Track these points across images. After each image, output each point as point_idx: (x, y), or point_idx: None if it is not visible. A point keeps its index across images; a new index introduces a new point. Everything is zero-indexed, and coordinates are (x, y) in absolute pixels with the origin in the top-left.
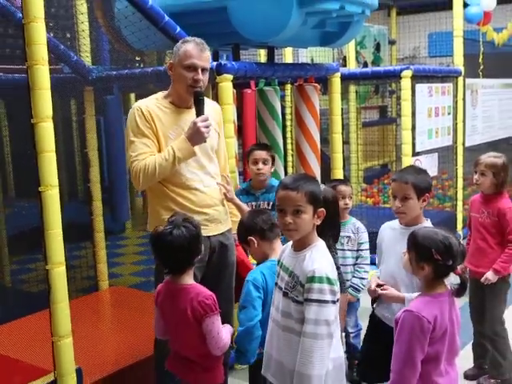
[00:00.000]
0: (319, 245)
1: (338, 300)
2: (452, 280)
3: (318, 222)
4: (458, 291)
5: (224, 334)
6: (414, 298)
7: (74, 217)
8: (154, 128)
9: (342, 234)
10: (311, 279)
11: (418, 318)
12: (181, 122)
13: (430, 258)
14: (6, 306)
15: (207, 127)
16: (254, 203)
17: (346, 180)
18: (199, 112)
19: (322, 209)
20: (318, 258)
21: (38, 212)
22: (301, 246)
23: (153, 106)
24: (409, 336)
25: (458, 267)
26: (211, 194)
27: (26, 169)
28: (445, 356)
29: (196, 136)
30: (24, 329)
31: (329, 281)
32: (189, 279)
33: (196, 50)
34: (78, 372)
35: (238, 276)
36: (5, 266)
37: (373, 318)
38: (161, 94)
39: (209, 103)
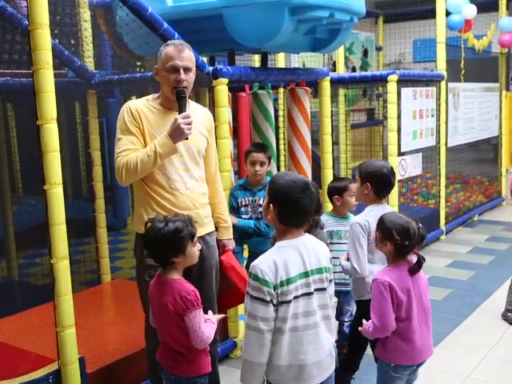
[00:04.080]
0: (280, 244)
1: (273, 302)
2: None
3: (270, 217)
4: (413, 269)
5: (206, 328)
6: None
7: (77, 214)
8: (140, 126)
9: (342, 228)
10: (249, 273)
11: (380, 282)
12: (168, 122)
13: (391, 237)
14: (12, 298)
15: (188, 124)
16: (250, 198)
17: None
18: (181, 109)
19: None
20: (263, 255)
21: (44, 209)
22: None
23: (142, 106)
24: (377, 296)
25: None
26: (192, 197)
27: (32, 168)
28: (417, 315)
29: (177, 132)
30: (30, 320)
31: (256, 278)
32: (176, 274)
33: (175, 52)
34: (81, 361)
35: (228, 280)
36: (12, 260)
37: None
38: (152, 96)
39: (200, 110)
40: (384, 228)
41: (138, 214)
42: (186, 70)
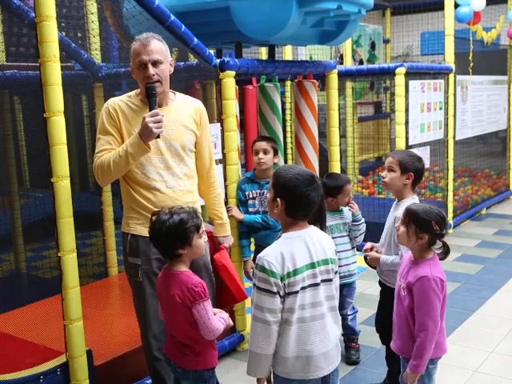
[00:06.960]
0: (286, 235)
1: (280, 293)
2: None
3: (277, 211)
4: (445, 254)
5: (216, 319)
6: (420, 265)
7: (85, 207)
8: (118, 125)
9: (340, 221)
10: (256, 265)
11: (432, 279)
12: None
13: (429, 229)
14: (20, 291)
15: (157, 122)
16: (258, 191)
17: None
18: (150, 107)
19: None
20: (270, 247)
21: (51, 202)
22: None
23: (121, 103)
24: (431, 295)
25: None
26: (174, 195)
27: (39, 161)
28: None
29: (145, 131)
30: (38, 313)
31: (263, 269)
32: (182, 267)
33: (140, 46)
34: (89, 353)
35: (220, 280)
36: (20, 253)
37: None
38: (134, 92)
39: (188, 102)
40: (421, 220)
41: (124, 212)
42: (156, 63)
